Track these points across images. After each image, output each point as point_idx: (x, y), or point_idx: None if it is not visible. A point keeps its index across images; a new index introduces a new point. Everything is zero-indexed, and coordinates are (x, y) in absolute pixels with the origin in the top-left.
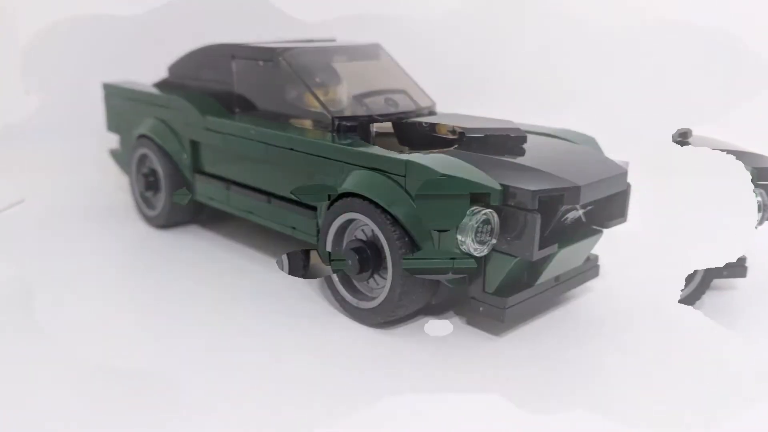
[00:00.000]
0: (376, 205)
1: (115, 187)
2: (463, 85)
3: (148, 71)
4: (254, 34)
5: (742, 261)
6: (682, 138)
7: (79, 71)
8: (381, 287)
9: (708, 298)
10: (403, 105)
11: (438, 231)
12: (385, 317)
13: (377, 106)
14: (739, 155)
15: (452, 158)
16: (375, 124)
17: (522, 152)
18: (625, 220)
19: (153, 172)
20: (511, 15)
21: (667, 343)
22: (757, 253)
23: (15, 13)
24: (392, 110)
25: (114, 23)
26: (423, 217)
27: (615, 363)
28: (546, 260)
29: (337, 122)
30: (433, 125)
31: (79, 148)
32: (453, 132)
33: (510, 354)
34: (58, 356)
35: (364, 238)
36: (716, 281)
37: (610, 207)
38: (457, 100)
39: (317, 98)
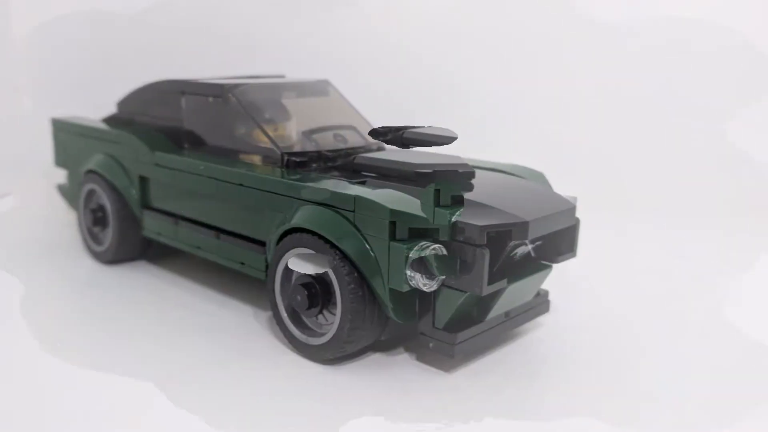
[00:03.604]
0: (325, 240)
1: (63, 222)
2: (413, 121)
3: (97, 106)
4: (205, 69)
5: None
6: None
7: (26, 105)
8: (330, 323)
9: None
10: (352, 141)
11: (388, 266)
12: (334, 353)
13: (326, 141)
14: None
15: (401, 193)
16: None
17: (470, 188)
18: (574, 255)
19: (101, 208)
20: (464, 51)
21: (616, 378)
22: None
23: None
24: (341, 146)
25: (63, 55)
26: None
27: (565, 399)
28: (495, 295)
29: (286, 158)
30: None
31: (26, 183)
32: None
33: (460, 390)
34: (3, 392)
35: (313, 274)
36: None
37: (559, 242)
38: None
39: (266, 134)
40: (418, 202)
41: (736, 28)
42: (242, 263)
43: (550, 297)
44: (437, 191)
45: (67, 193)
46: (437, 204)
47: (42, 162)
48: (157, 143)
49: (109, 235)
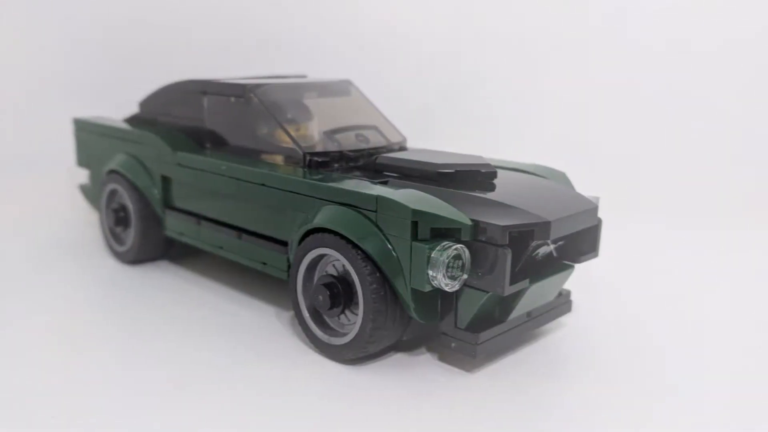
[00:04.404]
0: (347, 240)
1: (85, 222)
2: (435, 121)
3: (119, 106)
4: (227, 69)
5: (566, 296)
6: None
7: (49, 105)
8: (352, 323)
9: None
10: (374, 140)
11: (410, 266)
12: (356, 353)
13: (348, 141)
14: None
15: (423, 193)
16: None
17: (492, 187)
18: (596, 255)
19: (123, 208)
20: (484, 50)
21: (638, 378)
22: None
23: None
24: (363, 146)
25: (85, 56)
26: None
27: (587, 399)
28: (517, 295)
29: (308, 158)
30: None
31: (49, 183)
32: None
33: (482, 390)
34: (24, 391)
35: (336, 274)
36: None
37: (582, 242)
38: (429, 135)
39: (288, 134)
40: (440, 202)
41: (758, 26)
42: (264, 263)
43: (572, 297)
44: (414, 223)
45: (89, 193)
46: (414, 238)
47: (64, 162)
48: (179, 143)
49: (131, 235)
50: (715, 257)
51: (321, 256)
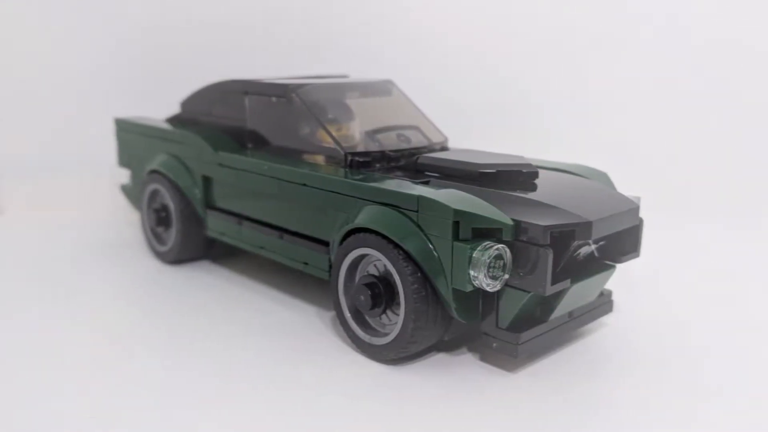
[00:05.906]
0: (389, 240)
1: (126, 222)
2: (477, 121)
3: (160, 106)
4: (268, 69)
5: (608, 296)
6: None
7: (90, 105)
8: (393, 323)
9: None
10: (416, 141)
11: (451, 266)
12: (397, 353)
13: (390, 141)
14: None
15: (464, 193)
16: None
17: (534, 187)
18: (638, 255)
19: (164, 208)
20: (525, 50)
21: (680, 379)
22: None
23: (24, 46)
24: (404, 146)
25: (125, 57)
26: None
27: (629, 399)
28: (559, 295)
29: (349, 158)
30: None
31: (90, 183)
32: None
33: (523, 390)
34: (69, 391)
35: (377, 274)
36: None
37: (623, 242)
38: (470, 135)
39: (330, 134)
40: (481, 202)
41: None
42: (306, 263)
43: (614, 297)
44: (456, 223)
45: (131, 193)
46: (456, 238)
47: (105, 162)
48: (220, 143)
49: (172, 235)
50: (758, 257)
51: (362, 256)
